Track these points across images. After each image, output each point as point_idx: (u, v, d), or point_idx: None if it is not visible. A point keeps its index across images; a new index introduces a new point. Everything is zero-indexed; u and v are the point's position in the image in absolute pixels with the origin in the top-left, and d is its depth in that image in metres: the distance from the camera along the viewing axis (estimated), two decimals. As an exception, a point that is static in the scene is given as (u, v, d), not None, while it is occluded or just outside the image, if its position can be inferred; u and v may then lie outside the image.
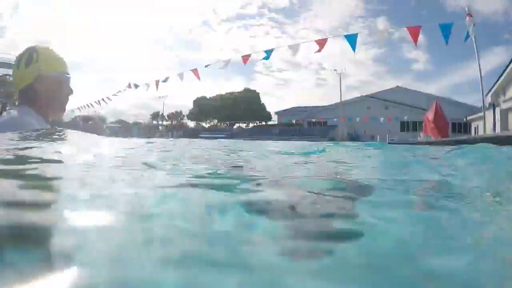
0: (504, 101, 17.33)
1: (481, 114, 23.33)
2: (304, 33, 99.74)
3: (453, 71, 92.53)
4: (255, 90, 58.58)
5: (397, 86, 45.61)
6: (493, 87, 17.97)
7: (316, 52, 10.78)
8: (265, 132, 45.40)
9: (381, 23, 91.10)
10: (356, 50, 9.99)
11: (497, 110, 18.32)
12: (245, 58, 12.19)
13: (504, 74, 16.34)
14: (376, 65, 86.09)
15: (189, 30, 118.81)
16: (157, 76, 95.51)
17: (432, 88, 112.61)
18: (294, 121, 43.08)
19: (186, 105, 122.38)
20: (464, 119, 28.79)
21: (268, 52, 11.54)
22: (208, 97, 59.32)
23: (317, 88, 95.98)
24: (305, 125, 44.65)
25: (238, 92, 57.30)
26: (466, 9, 11.26)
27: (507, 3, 72.32)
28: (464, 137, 16.86)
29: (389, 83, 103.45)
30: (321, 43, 10.70)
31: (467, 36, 11.05)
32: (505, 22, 71.97)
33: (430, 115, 16.94)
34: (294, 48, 11.21)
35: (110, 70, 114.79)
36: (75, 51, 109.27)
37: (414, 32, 9.60)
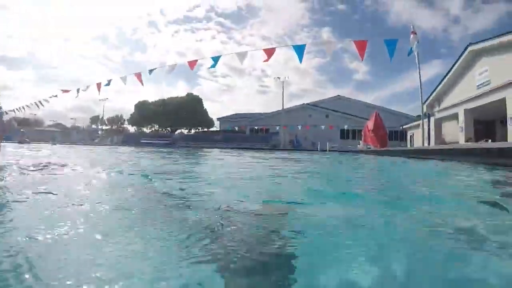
0: (439, 111, 17.88)
1: (415, 123, 24.44)
2: (250, 39, 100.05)
3: (392, 82, 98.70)
4: (198, 96, 56.79)
5: (338, 95, 46.75)
6: (429, 97, 18.49)
7: (264, 61, 9.89)
8: (208, 139, 43.98)
9: (326, 33, 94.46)
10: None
11: (432, 119, 18.93)
12: (192, 63, 11.03)
13: (440, 86, 16.80)
14: (318, 74, 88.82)
15: (134, 29, 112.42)
16: (99, 76, 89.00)
17: (371, 97, 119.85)
18: (236, 128, 42.01)
19: (126, 108, 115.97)
20: (400, 128, 30.05)
21: (215, 59, 10.47)
22: (150, 101, 56.33)
23: (260, 94, 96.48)
24: (247, 132, 43.76)
25: (181, 97, 55.18)
26: (411, 27, 11.57)
27: (445, 21, 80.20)
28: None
29: (331, 92, 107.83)
30: (269, 52, 9.82)
31: (411, 51, 11.45)
32: (443, 37, 79.01)
33: (370, 124, 16.84)
34: (242, 56, 10.15)
35: (50, 67, 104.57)
36: (14, 45, 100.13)
37: (361, 46, 9.08)
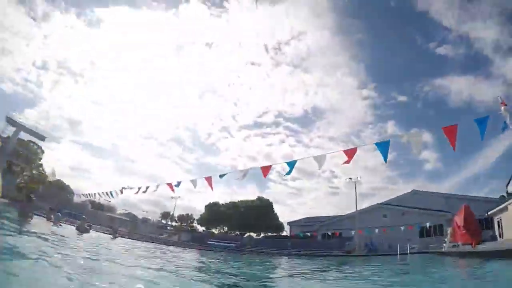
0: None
1: (503, 205, 22.17)
2: (318, 141, 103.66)
3: (462, 166, 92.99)
4: (268, 199, 57.30)
5: (414, 190, 44.16)
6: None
7: (344, 163, 10.19)
8: (277, 244, 43.07)
9: (390, 127, 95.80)
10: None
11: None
12: (265, 170, 11.55)
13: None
14: (388, 170, 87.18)
15: (208, 134, 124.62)
16: (173, 174, 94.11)
17: (445, 186, 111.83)
18: (308, 233, 41.13)
19: (196, 207, 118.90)
20: (486, 214, 27.26)
21: (291, 165, 10.97)
22: (221, 203, 58.24)
23: (330, 196, 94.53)
24: (319, 237, 42.47)
25: (251, 201, 56.32)
26: (499, 98, 11.07)
27: (504, 88, 78.17)
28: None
29: (402, 187, 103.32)
30: (350, 153, 10.23)
31: (505, 126, 10.70)
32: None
33: (458, 220, 15.94)
34: (320, 160, 10.70)
35: (129, 160, 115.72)
36: (100, 135, 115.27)
37: (451, 132, 8.67)
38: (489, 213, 24.38)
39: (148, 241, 28.32)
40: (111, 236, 19.05)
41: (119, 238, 20.35)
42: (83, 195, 20.77)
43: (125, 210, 69.35)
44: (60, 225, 16.82)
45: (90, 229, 19.15)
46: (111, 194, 22.44)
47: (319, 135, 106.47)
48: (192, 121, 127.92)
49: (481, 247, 15.07)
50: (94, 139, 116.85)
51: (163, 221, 72.49)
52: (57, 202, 35.09)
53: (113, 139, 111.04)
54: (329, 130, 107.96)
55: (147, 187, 18.40)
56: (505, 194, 29.40)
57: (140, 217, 67.82)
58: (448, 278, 9.34)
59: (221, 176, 12.61)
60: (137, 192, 18.87)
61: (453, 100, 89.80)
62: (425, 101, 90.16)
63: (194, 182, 14.11)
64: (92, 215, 39.99)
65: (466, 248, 16.52)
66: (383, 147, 9.59)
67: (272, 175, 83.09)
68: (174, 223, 69.56)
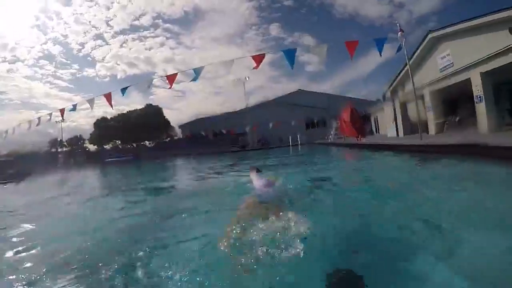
0: (403, 95, 19.13)
1: (380, 107, 25.87)
2: (199, 42, 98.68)
3: (343, 70, 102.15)
4: (157, 105, 55.22)
5: (299, 89, 48.02)
6: (392, 83, 19.71)
7: (253, 68, 9.92)
8: (173, 148, 43.05)
9: (275, 29, 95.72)
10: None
11: (397, 102, 20.20)
12: (171, 78, 10.58)
13: (403, 71, 17.97)
14: (271, 70, 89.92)
15: (81, 45, 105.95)
16: (50, 96, 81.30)
17: (326, 87, 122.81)
18: (203, 133, 41.35)
19: (82, 127, 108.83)
20: (364, 113, 31.34)
21: (197, 72, 10.22)
22: (109, 117, 53.91)
23: (216, 96, 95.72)
24: (210, 135, 43.37)
25: (140, 109, 53.41)
26: (398, 25, 12.49)
27: (390, 8, 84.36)
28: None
29: (285, 86, 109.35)
30: (258, 59, 9.87)
31: (400, 48, 12.23)
32: (389, 23, 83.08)
33: (345, 116, 17.58)
34: (227, 65, 10.08)
35: None
36: None
37: (351, 47, 9.55)
38: (367, 111, 27.76)
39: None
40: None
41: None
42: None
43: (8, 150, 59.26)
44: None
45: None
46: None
47: (201, 35, 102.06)
48: (61, 32, 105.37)
49: (364, 140, 17.30)
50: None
51: (53, 150, 64.85)
52: None
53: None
54: (211, 31, 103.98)
55: (39, 118, 15.50)
56: (381, 98, 33.63)
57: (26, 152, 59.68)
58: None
59: (123, 90, 11.26)
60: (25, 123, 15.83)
61: (338, 11, 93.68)
62: (309, 8, 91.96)
63: (91, 102, 12.48)
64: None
65: (351, 140, 18.94)
66: (289, 54, 9.52)
67: (155, 80, 78.24)
68: (64, 149, 62.95)
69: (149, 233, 3.46)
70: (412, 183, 5.55)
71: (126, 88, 11.64)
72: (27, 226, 4.64)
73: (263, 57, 9.77)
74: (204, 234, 2.97)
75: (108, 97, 11.33)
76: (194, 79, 10.26)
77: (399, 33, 12.37)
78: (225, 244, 2.45)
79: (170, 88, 10.58)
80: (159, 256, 2.62)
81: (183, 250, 2.68)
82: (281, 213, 2.74)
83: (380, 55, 9.81)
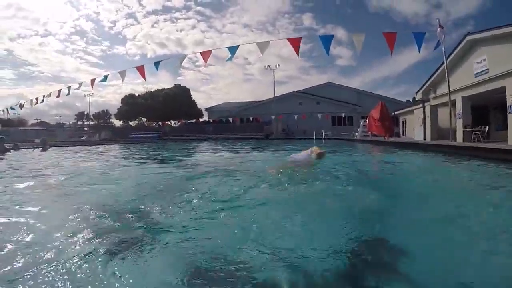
0: (434, 98, 18.51)
1: (409, 109, 25.12)
2: (231, 27, 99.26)
3: (374, 66, 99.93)
4: (185, 86, 55.97)
5: (328, 82, 47.02)
6: (424, 84, 19.08)
7: (297, 55, 9.92)
8: (199, 130, 43.83)
9: (307, 19, 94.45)
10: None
11: (427, 106, 19.57)
12: (205, 56, 10.71)
13: (436, 74, 17.36)
14: (302, 60, 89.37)
15: (113, 22, 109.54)
16: (80, 71, 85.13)
17: (356, 82, 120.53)
18: (231, 120, 41.98)
19: (110, 102, 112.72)
20: (392, 114, 30.58)
21: (232, 51, 10.31)
22: (137, 94, 55.42)
23: (244, 83, 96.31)
24: (237, 122, 43.84)
25: (168, 89, 54.21)
26: (438, 20, 12.22)
27: (427, 7, 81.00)
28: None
29: (315, 78, 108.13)
30: (295, 42, 9.81)
31: (438, 44, 11.97)
32: (424, 22, 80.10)
33: (375, 113, 17.29)
34: (263, 46, 10.08)
35: (28, 64, 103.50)
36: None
37: (390, 38, 9.29)
38: (395, 113, 27.10)
39: (73, 145, 25.98)
40: (41, 149, 16.67)
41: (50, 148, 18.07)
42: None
43: (38, 120, 62.63)
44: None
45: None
46: (20, 106, 21.10)
47: (233, 21, 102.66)
48: (94, 9, 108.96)
49: (391, 139, 17.07)
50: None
51: (79, 123, 67.63)
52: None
53: (5, 44, 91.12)
54: (243, 17, 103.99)
55: (69, 87, 16.25)
56: (411, 100, 32.57)
57: (53, 123, 62.54)
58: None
59: (156, 64, 11.62)
60: (58, 92, 16.68)
61: (373, 5, 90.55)
62: (343, 0, 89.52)
63: (122, 74, 13.05)
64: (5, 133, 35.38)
65: (378, 138, 18.68)
66: (326, 40, 9.44)
67: (184, 61, 79.16)
68: (91, 122, 65.47)
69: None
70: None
71: (159, 62, 11.97)
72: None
73: (300, 41, 9.68)
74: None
75: (141, 69, 11.77)
76: (230, 59, 10.40)
77: (439, 29, 12.01)
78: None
79: (205, 65, 10.84)
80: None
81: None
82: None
83: (419, 51, 9.53)
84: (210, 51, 11.28)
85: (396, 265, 1.91)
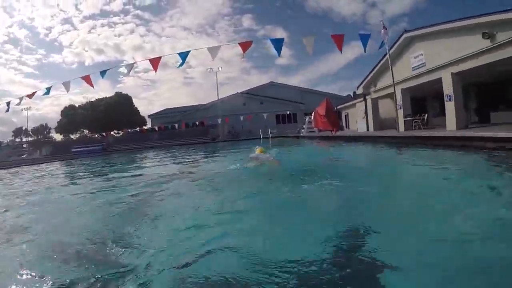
0: (375, 91, 19.81)
1: (351, 103, 26.61)
2: (170, 31, 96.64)
3: (313, 64, 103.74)
4: (126, 94, 53.74)
5: (271, 82, 47.97)
6: (365, 79, 20.33)
7: (242, 56, 9.88)
8: (143, 139, 41.92)
9: (247, 20, 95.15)
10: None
11: (368, 99, 20.90)
12: (155, 63, 10.21)
13: (376, 69, 18.59)
14: (243, 62, 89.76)
15: (48, 29, 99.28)
16: (14, 83, 75.42)
17: (296, 81, 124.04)
18: (176, 125, 40.70)
19: (48, 116, 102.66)
20: (335, 108, 32.08)
21: (183, 56, 9.98)
22: (77, 105, 51.26)
23: (186, 87, 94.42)
24: (183, 127, 42.66)
25: (109, 97, 51.52)
26: (382, 23, 12.95)
27: (363, 7, 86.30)
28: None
29: (255, 78, 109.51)
30: (245, 46, 9.80)
31: (382, 44, 12.74)
32: (361, 21, 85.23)
33: (321, 110, 17.89)
34: (214, 51, 9.92)
35: None
36: None
37: (338, 40, 9.71)
38: (338, 107, 28.50)
39: (10, 167, 22.95)
40: None
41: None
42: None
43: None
44: None
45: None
46: None
47: (172, 24, 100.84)
48: (28, 14, 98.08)
49: (338, 133, 17.84)
50: None
51: (17, 140, 60.68)
52: None
53: None
54: (183, 20, 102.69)
55: (8, 103, 14.37)
56: (351, 94, 34.52)
57: None
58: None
59: (102, 73, 10.77)
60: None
61: (311, 6, 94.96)
62: (283, 1, 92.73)
63: (66, 85, 11.95)
64: None
65: (325, 133, 19.41)
66: (277, 43, 9.56)
67: (122, 68, 76.38)
68: (29, 138, 59.09)
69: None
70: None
71: (105, 71, 11.35)
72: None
73: (250, 44, 9.77)
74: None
75: (88, 79, 11.02)
76: (181, 64, 10.11)
77: (383, 30, 12.93)
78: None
79: (155, 72, 10.28)
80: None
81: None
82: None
83: (364, 51, 10.09)
84: (160, 57, 10.90)
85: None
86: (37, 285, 2.17)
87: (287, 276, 1.91)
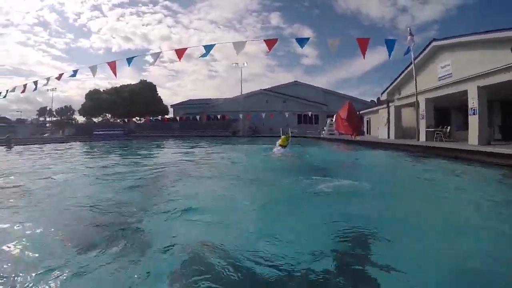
0: (399, 99, 19.50)
1: (374, 109, 26.28)
2: (197, 23, 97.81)
3: (338, 66, 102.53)
4: (151, 82, 54.35)
5: (295, 81, 47.73)
6: (389, 86, 20.03)
7: (267, 53, 10.03)
8: (165, 127, 42.77)
9: (274, 18, 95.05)
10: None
11: (392, 106, 20.59)
12: (180, 52, 10.50)
13: (401, 76, 18.28)
14: (268, 59, 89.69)
15: (77, 14, 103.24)
16: (42, 64, 78.96)
17: (321, 81, 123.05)
18: (198, 117, 41.43)
19: (73, 98, 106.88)
20: (358, 112, 31.72)
21: (208, 48, 10.23)
22: (102, 90, 52.78)
23: (209, 80, 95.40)
24: (204, 119, 43.31)
25: (134, 85, 52.25)
26: (408, 30, 12.88)
27: (393, 11, 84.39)
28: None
29: (280, 76, 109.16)
30: (271, 43, 9.94)
31: (408, 51, 12.63)
32: (390, 26, 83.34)
33: (342, 113, 17.80)
34: (239, 46, 10.10)
35: None
36: None
37: (363, 44, 9.65)
38: (360, 112, 28.16)
39: (35, 143, 24.22)
40: (6, 148, 15.56)
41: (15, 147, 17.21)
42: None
43: (-5, 115, 57.71)
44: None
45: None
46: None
47: (200, 17, 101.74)
48: (58, 0, 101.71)
49: (358, 138, 17.74)
50: None
51: (41, 119, 63.30)
52: None
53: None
54: (211, 13, 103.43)
55: (35, 82, 15.18)
56: (375, 100, 34.02)
57: (13, 119, 58.08)
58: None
59: (129, 60, 11.17)
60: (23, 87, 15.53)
61: (340, 7, 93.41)
62: (312, 0, 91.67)
63: (93, 69, 12.52)
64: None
65: (346, 137, 19.36)
66: (302, 42, 9.56)
67: (148, 57, 77.89)
68: (53, 118, 61.49)
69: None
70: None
71: (132, 58, 11.63)
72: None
73: (275, 42, 9.86)
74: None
75: (113, 65, 11.40)
76: (204, 55, 10.33)
77: (409, 37, 12.80)
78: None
79: (179, 61, 10.60)
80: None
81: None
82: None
83: (389, 57, 10.00)
84: (185, 48, 11.14)
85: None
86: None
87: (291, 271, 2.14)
